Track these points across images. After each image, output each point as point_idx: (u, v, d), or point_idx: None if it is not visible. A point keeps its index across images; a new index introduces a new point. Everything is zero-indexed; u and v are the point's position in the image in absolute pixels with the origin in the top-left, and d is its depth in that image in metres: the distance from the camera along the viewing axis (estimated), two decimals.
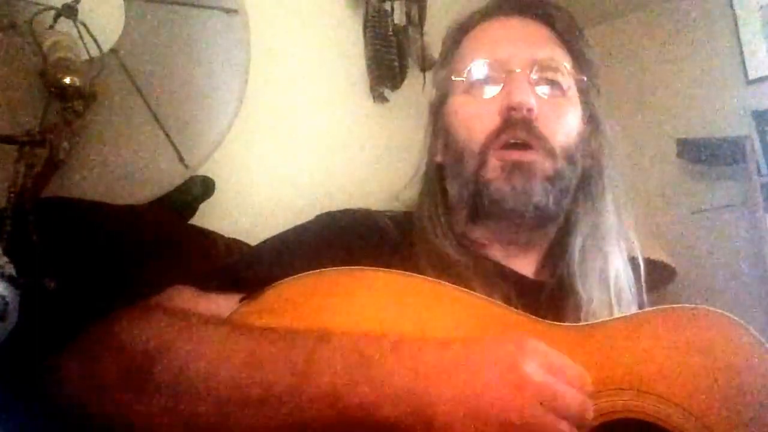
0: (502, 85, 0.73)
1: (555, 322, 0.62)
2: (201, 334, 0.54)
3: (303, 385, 0.49)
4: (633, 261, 0.76)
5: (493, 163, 0.71)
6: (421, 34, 1.70)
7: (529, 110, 0.70)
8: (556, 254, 0.76)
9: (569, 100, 0.75)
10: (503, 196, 0.70)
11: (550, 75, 0.74)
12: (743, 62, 2.36)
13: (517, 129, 0.70)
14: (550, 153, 0.71)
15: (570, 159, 0.73)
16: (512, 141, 0.71)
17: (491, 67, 0.74)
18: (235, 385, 0.50)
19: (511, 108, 0.70)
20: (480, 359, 0.51)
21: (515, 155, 0.70)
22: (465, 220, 0.75)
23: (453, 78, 0.77)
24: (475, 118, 0.73)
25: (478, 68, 0.75)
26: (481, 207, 0.72)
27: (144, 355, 0.53)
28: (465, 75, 0.76)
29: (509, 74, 0.72)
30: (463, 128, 0.74)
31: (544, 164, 0.71)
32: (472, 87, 0.75)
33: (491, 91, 0.73)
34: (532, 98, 0.71)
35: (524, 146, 0.71)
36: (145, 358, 0.52)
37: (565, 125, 0.74)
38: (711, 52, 2.41)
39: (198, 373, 0.51)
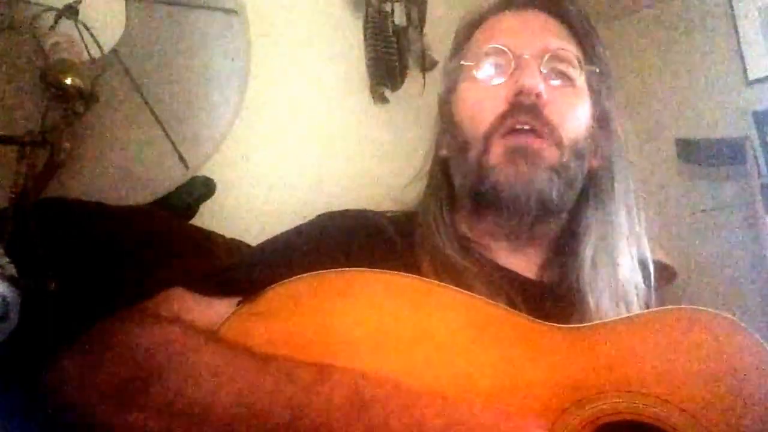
0: (511, 71, 0.71)
1: (555, 324, 0.62)
2: (200, 356, 0.53)
3: (299, 421, 0.49)
4: (643, 265, 0.75)
5: (497, 149, 0.69)
6: (422, 35, 1.70)
7: (538, 95, 0.68)
8: (563, 256, 0.74)
9: (579, 92, 0.73)
10: (505, 182, 0.67)
11: (561, 66, 0.72)
12: (743, 63, 2.35)
13: (524, 114, 0.69)
14: (558, 142, 0.69)
15: (577, 153, 0.71)
16: (518, 126, 0.69)
17: (501, 54, 0.72)
18: (230, 415, 0.49)
19: (519, 92, 0.69)
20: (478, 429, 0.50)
21: (521, 140, 0.68)
22: (469, 214, 0.74)
23: (462, 63, 0.76)
24: (482, 104, 0.72)
25: (488, 54, 0.73)
26: (484, 196, 0.70)
27: (142, 371, 0.52)
28: (475, 61, 0.74)
29: (519, 60, 0.71)
30: (468, 115, 0.73)
31: (550, 153, 0.68)
32: (480, 74, 0.73)
33: (500, 78, 0.72)
34: (541, 84, 0.69)
35: (531, 132, 0.69)
36: (143, 375, 0.52)
37: (574, 116, 0.72)
38: (711, 53, 2.40)
39: (194, 398, 0.50)
